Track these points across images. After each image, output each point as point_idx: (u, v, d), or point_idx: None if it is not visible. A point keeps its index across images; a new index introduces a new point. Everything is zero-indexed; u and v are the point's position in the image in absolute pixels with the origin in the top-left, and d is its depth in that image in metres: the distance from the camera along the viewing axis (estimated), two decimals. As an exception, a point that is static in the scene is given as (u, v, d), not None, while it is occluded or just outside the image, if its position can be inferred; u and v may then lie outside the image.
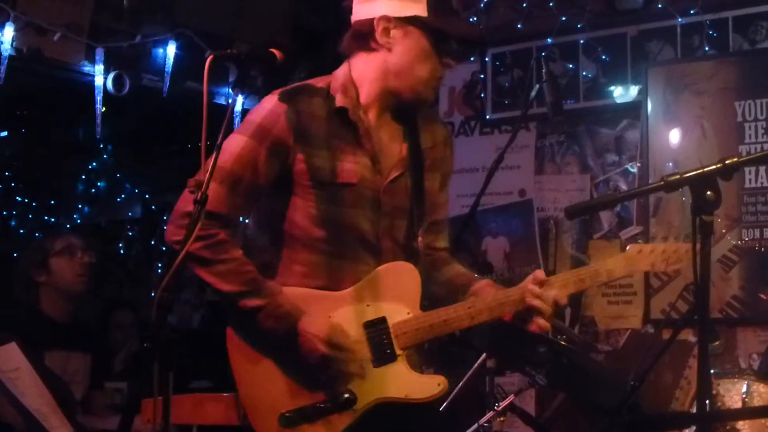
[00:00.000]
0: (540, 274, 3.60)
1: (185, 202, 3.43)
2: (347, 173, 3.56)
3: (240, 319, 3.56)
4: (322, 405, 3.47)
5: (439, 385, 3.52)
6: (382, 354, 3.51)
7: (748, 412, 4.83)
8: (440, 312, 3.55)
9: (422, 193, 3.68)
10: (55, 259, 5.55)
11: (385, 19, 3.55)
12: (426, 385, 3.52)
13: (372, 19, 3.58)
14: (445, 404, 4.26)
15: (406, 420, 3.54)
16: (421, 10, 3.52)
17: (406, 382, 3.50)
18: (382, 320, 3.52)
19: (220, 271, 3.50)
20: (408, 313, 3.54)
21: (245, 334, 3.58)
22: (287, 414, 3.45)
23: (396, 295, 3.54)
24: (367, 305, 3.53)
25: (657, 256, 3.61)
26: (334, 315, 3.51)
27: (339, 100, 3.60)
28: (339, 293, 3.54)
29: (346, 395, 3.46)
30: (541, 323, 3.57)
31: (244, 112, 7.57)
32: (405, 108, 3.69)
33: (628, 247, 3.67)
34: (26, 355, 4.66)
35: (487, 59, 7.76)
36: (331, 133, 3.58)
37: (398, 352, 3.51)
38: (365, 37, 3.62)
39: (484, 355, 5.60)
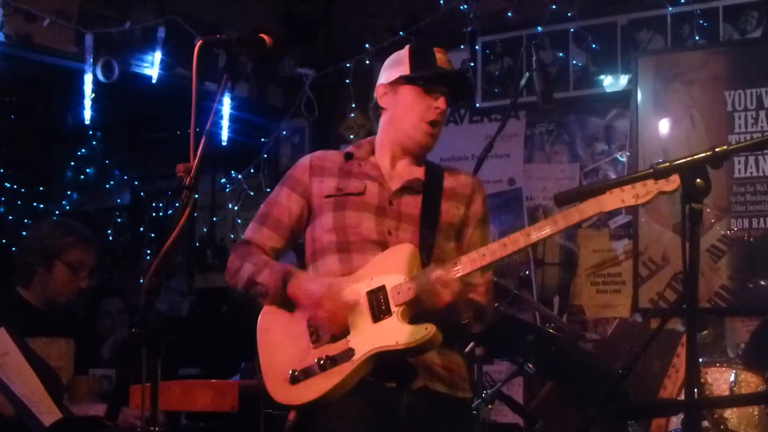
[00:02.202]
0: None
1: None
2: (353, 187, 4.10)
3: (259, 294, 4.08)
4: (324, 360, 3.82)
5: (426, 329, 3.78)
6: (379, 312, 3.85)
7: (736, 400, 4.85)
8: (429, 271, 3.83)
9: (436, 214, 4.08)
10: (59, 264, 5.44)
11: (382, 86, 4.20)
12: (414, 332, 3.79)
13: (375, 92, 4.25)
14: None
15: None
16: (404, 71, 4.13)
17: (398, 331, 3.80)
18: (382, 287, 3.87)
19: (247, 268, 4.06)
20: (404, 278, 3.85)
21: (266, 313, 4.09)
22: (295, 372, 3.84)
23: (395, 269, 3.89)
24: (371, 279, 3.91)
25: (627, 194, 3.74)
26: (341, 293, 3.89)
27: (350, 150, 4.25)
28: (346, 277, 3.96)
29: (345, 348, 3.82)
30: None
31: (234, 98, 7.58)
32: (414, 153, 4.18)
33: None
34: (14, 341, 4.65)
35: (477, 47, 7.76)
36: (342, 168, 4.18)
37: (393, 308, 3.83)
38: (377, 105, 4.24)
39: (472, 342, 5.60)
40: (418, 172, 4.16)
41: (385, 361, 3.81)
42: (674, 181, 3.77)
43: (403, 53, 4.19)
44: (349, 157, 4.20)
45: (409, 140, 4.12)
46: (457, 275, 3.78)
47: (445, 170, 4.24)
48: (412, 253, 3.91)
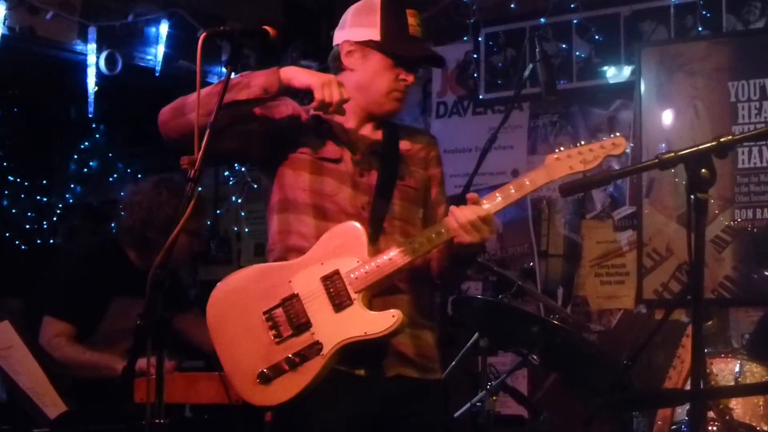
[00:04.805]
0: (472, 195, 3.80)
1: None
2: (330, 152, 3.99)
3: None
4: (293, 356, 3.73)
5: (393, 317, 3.73)
6: (340, 300, 3.77)
7: (741, 390, 4.84)
8: (385, 252, 3.80)
9: (392, 184, 4.02)
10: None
11: (347, 43, 4.05)
12: (381, 320, 3.74)
13: (339, 45, 4.10)
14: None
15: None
16: (374, 35, 3.99)
17: (364, 321, 3.75)
18: (336, 272, 3.80)
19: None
20: (357, 261, 3.79)
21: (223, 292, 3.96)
22: (264, 372, 3.73)
23: (345, 250, 3.82)
24: (321, 264, 3.82)
25: (574, 159, 3.78)
26: (293, 280, 3.83)
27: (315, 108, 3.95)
28: (295, 261, 3.88)
29: (311, 342, 3.74)
30: (462, 236, 3.74)
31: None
32: (379, 119, 4.09)
33: (546, 157, 3.80)
34: (19, 334, 4.65)
35: (480, 39, 7.75)
36: (316, 127, 4.03)
37: (353, 296, 3.76)
38: (338, 60, 4.08)
39: (476, 334, 5.61)
40: (378, 135, 4.09)
41: (352, 350, 3.76)
42: (620, 144, 3.80)
43: (374, 9, 4.03)
44: (318, 118, 4.05)
45: (378, 108, 4.04)
46: (493, 212, 3.74)
47: (400, 130, 4.17)
48: (359, 231, 3.84)
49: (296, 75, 3.82)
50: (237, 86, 3.74)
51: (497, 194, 3.77)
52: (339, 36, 4.10)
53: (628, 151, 7.05)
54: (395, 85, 4.00)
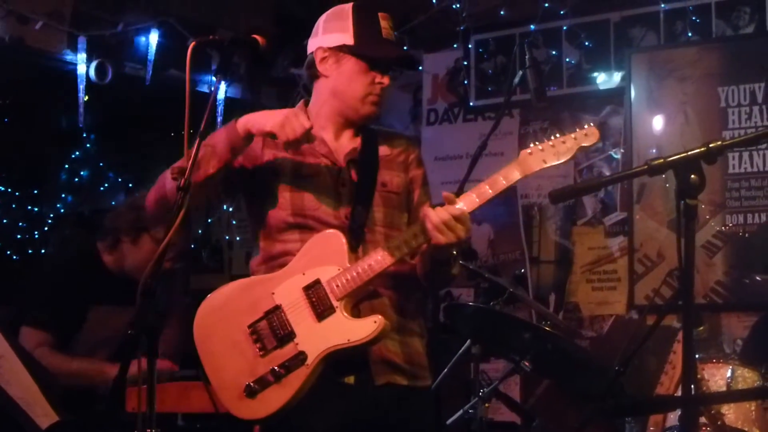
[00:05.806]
0: (448, 195, 3.75)
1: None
2: (307, 168, 3.96)
3: None
4: (278, 368, 3.71)
5: (375, 323, 3.70)
6: (322, 309, 3.76)
7: (733, 395, 4.85)
8: (364, 259, 3.78)
9: (371, 191, 3.99)
10: (147, 238, 5.36)
11: (321, 50, 3.99)
12: (364, 327, 3.72)
13: (313, 52, 4.04)
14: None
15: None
16: (347, 39, 3.96)
17: (346, 328, 3.73)
18: (317, 281, 3.78)
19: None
20: (338, 270, 3.77)
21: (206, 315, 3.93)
22: (250, 385, 3.72)
23: (325, 259, 3.81)
24: (303, 274, 3.81)
25: (547, 152, 3.78)
26: (276, 291, 3.82)
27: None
28: (278, 273, 3.88)
29: (295, 353, 3.72)
30: (437, 237, 3.69)
31: (227, 99, 7.58)
32: (357, 125, 4.06)
33: (520, 153, 3.79)
34: (9, 344, 4.64)
35: (470, 46, 7.76)
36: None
37: (335, 303, 3.75)
38: (312, 68, 4.04)
39: (468, 341, 5.60)
40: (356, 143, 4.06)
41: (338, 358, 3.73)
42: (592, 134, 3.79)
43: (346, 15, 4.01)
44: None
45: (355, 113, 4.01)
46: (467, 211, 3.69)
47: (379, 136, 4.12)
48: (339, 239, 3.82)
49: (254, 123, 3.79)
50: (204, 159, 3.68)
51: (472, 193, 3.74)
52: (313, 43, 4.06)
53: (617, 156, 7.09)
54: (371, 88, 3.96)
